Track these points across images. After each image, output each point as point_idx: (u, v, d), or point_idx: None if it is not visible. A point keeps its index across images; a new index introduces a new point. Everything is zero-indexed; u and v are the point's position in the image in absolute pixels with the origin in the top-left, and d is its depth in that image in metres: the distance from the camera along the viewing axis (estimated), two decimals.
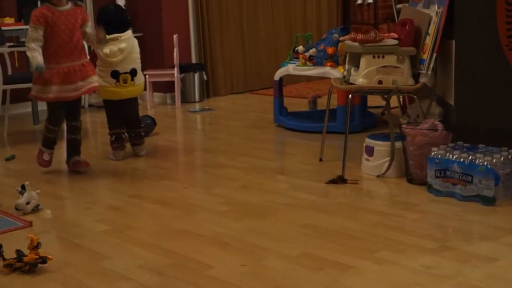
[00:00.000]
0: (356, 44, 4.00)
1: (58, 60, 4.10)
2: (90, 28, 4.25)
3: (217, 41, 7.26)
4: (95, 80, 4.27)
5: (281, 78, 5.48)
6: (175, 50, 6.63)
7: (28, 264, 2.71)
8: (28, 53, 4.06)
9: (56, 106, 4.21)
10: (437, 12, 3.90)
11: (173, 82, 6.69)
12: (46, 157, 4.29)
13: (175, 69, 6.65)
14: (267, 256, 2.79)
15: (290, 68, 5.37)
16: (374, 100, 5.28)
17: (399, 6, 5.20)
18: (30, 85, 5.54)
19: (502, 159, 3.34)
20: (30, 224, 3.31)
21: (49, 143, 4.30)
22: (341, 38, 4.73)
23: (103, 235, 3.15)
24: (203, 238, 3.04)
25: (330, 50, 5.13)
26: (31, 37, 4.04)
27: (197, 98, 6.98)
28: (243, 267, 2.69)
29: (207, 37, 7.18)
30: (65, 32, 4.09)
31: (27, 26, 6.22)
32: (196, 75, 6.99)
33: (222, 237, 3.04)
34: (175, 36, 6.66)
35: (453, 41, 3.80)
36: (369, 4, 8.06)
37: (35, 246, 2.76)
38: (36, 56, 3.99)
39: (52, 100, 4.15)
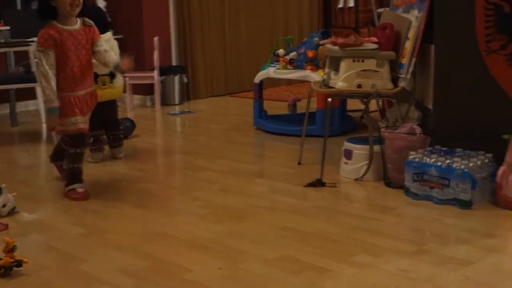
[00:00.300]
0: (336, 48, 4.02)
1: (66, 88, 3.66)
2: (105, 47, 3.78)
3: (198, 43, 7.25)
4: None
5: (261, 81, 5.48)
6: (156, 52, 6.62)
7: (3, 268, 2.68)
8: (44, 83, 3.61)
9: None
10: (417, 17, 3.93)
11: (153, 85, 6.67)
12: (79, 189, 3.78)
13: (155, 71, 6.63)
14: (246, 259, 2.79)
15: (271, 71, 5.38)
16: (353, 104, 5.29)
17: (379, 10, 5.24)
18: (7, 86, 5.48)
19: (479, 163, 3.37)
20: (6, 227, 3.28)
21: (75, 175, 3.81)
22: (321, 42, 4.76)
23: (81, 238, 3.13)
24: (182, 241, 3.03)
25: (310, 54, 5.15)
26: (46, 63, 3.57)
27: (177, 101, 6.96)
28: (221, 270, 2.69)
29: (188, 39, 7.17)
30: (74, 54, 3.65)
31: (7, 27, 6.24)
32: (177, 78, 6.97)
33: (200, 240, 3.03)
34: (155, 39, 6.64)
35: (433, 46, 3.83)
36: (350, 8, 8.10)
37: (10, 249, 2.73)
38: (54, 90, 3.59)
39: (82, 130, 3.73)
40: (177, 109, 6.69)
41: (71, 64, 3.65)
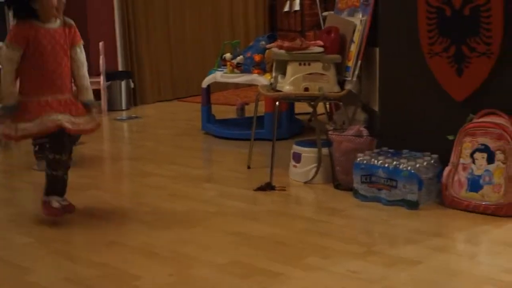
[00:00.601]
0: (283, 51, 4.04)
1: (39, 92, 3.26)
2: (80, 53, 3.42)
3: (144, 48, 7.19)
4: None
5: (209, 86, 5.47)
6: (101, 57, 6.53)
7: None
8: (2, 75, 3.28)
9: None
10: (361, 20, 3.98)
11: (99, 90, 6.58)
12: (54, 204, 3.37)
13: (101, 77, 6.54)
14: (195, 265, 2.77)
15: (218, 76, 5.37)
16: (301, 107, 5.33)
17: (325, 14, 5.28)
18: None
19: (425, 164, 3.43)
20: None
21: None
22: (267, 46, 4.77)
23: (28, 248, 3.06)
24: (131, 248, 3.00)
25: (257, 58, 5.16)
26: (6, 57, 3.24)
27: (124, 106, 6.89)
28: (171, 276, 2.66)
29: (133, 44, 7.11)
30: (51, 55, 3.27)
31: None
32: (123, 83, 6.90)
33: (150, 246, 3.00)
34: (101, 44, 6.56)
35: (377, 49, 3.88)
36: (295, 11, 8.14)
37: None
38: (10, 88, 3.24)
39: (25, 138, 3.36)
40: (124, 114, 6.62)
41: (47, 66, 3.26)
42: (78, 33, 3.44)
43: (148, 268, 2.76)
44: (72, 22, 3.41)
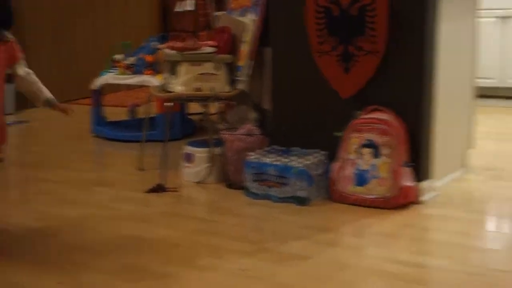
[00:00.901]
0: (174, 52, 4.01)
1: None
2: (28, 71, 3.23)
3: (32, 49, 6.94)
4: None
5: (100, 87, 5.36)
6: None
7: None
8: None
9: None
10: (253, 20, 4.01)
11: None
12: None
13: None
14: (86, 271, 2.69)
15: (109, 77, 5.27)
16: (195, 107, 5.31)
17: (217, 14, 5.29)
18: None
19: (314, 160, 3.50)
20: None
21: None
22: (159, 46, 4.73)
23: None
24: (18, 257, 2.89)
25: (149, 58, 5.11)
26: None
27: (11, 110, 6.64)
28: (60, 284, 2.58)
29: (21, 45, 6.84)
30: None
31: None
32: (11, 86, 6.63)
33: (38, 254, 2.90)
34: None
35: (269, 49, 3.92)
36: (189, 11, 8.11)
37: None
38: None
39: None
40: (11, 118, 6.38)
41: None
42: (18, 49, 3.16)
43: (36, 276, 2.66)
44: (10, 37, 3.08)
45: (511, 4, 6.56)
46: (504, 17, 6.60)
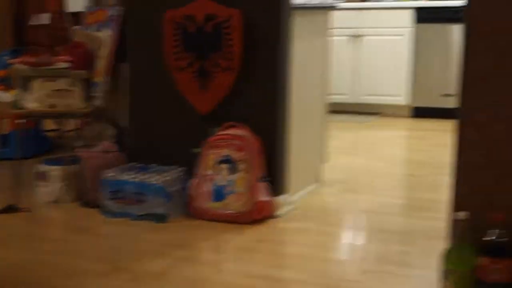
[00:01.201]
0: (27, 67, 3.88)
1: None
2: None
3: None
4: None
5: None
6: None
7: None
8: None
9: None
10: (109, 36, 3.96)
11: None
12: None
13: None
14: None
15: None
16: (51, 124, 5.15)
17: (73, 28, 5.17)
18: None
19: (172, 177, 3.49)
20: None
21: None
22: (11, 61, 4.55)
23: None
24: None
25: (1, 73, 4.90)
26: None
27: None
28: None
29: None
30: None
31: None
32: None
33: None
34: None
35: (126, 64, 3.89)
36: (44, 25, 7.87)
37: None
38: None
39: None
40: None
41: None
42: None
43: None
44: None
45: (362, 23, 6.91)
46: (355, 36, 6.94)
